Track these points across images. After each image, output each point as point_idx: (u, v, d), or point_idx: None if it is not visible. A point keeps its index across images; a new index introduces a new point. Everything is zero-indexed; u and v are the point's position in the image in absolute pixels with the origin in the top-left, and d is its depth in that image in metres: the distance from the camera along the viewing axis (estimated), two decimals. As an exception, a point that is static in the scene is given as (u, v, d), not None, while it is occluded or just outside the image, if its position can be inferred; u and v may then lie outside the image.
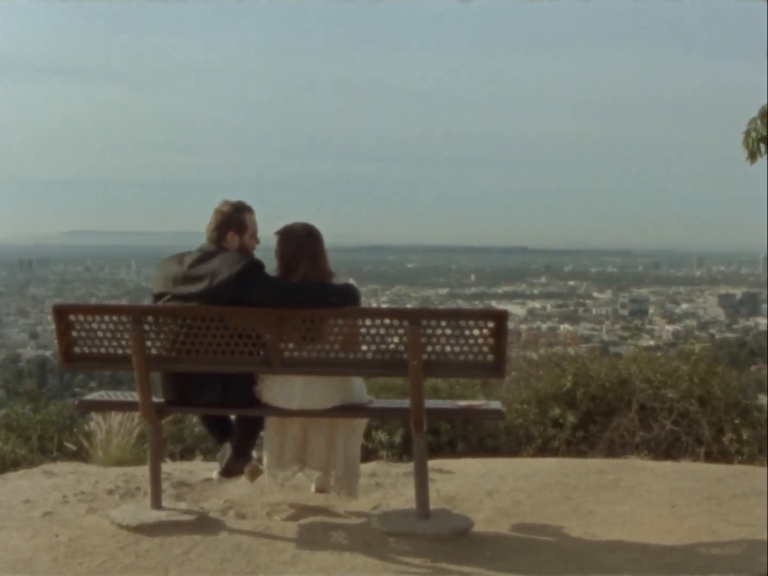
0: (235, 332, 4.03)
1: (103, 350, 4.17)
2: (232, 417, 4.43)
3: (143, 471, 4.77)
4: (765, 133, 5.06)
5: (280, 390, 4.13)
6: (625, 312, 63.76)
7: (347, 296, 4.08)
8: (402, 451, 6.55)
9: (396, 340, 4.01)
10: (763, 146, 5.07)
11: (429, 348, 3.97)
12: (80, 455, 6.48)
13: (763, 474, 5.10)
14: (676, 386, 6.84)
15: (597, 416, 6.88)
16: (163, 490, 4.39)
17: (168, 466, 5.27)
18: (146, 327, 4.07)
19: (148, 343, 4.08)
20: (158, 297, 4.20)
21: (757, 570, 3.58)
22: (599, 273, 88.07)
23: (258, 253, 4.31)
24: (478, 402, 4.67)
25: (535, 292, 74.50)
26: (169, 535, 3.98)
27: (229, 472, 4.39)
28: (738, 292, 66.42)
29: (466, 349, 3.98)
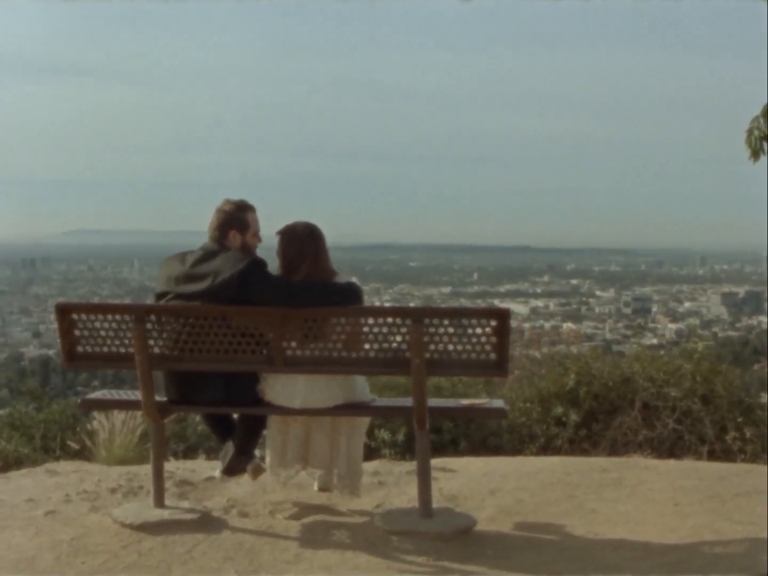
0: (237, 331, 4.03)
1: (105, 349, 4.18)
2: (235, 416, 4.43)
3: (146, 470, 4.77)
4: (767, 131, 5.04)
5: (283, 389, 4.13)
6: (628, 310, 63.67)
7: (350, 295, 4.09)
8: (405, 450, 6.55)
9: (399, 338, 4.01)
10: (765, 144, 5.06)
11: (432, 346, 3.97)
12: (83, 454, 6.48)
13: (766, 472, 5.10)
14: (679, 385, 6.84)
15: (600, 415, 6.87)
16: (166, 489, 4.40)
17: (171, 465, 5.27)
18: (149, 326, 4.08)
19: (151, 342, 4.08)
20: (161, 296, 4.20)
21: (759, 568, 3.58)
22: (602, 271, 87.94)
23: (260, 252, 4.31)
24: (481, 400, 4.66)
25: (538, 290, 74.40)
26: (172, 533, 3.98)
27: (232, 470, 4.39)
28: (741, 290, 66.28)
29: (468, 347, 3.98)
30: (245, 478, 4.45)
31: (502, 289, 73.91)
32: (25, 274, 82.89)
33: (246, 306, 4.02)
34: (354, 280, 4.20)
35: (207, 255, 4.15)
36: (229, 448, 4.37)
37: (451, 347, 4.00)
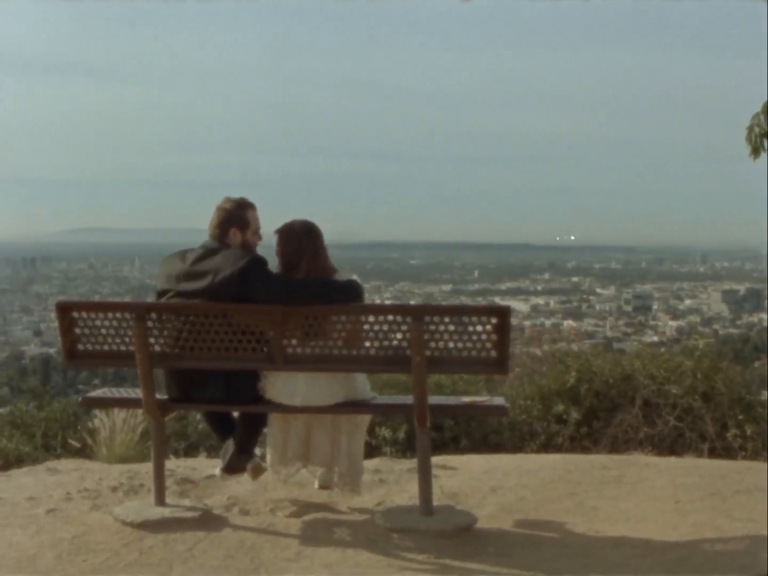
0: (238, 329, 4.03)
1: (106, 347, 4.18)
2: (235, 414, 4.43)
3: (147, 468, 4.77)
4: (767, 129, 5.04)
5: (284, 387, 4.13)
6: (628, 308, 63.63)
7: (350, 292, 4.08)
8: (405, 448, 6.55)
9: (399, 336, 4.01)
10: (766, 142, 5.06)
11: (432, 344, 3.96)
12: (84, 452, 6.48)
13: (766, 470, 5.10)
14: (680, 382, 6.84)
15: (600, 412, 6.87)
16: (167, 487, 4.40)
17: (171, 463, 5.27)
18: (149, 324, 4.08)
19: (152, 340, 4.08)
20: (161, 294, 4.20)
21: (760, 566, 3.58)
22: (603, 269, 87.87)
23: (260, 251, 4.31)
24: (482, 398, 4.66)
25: (539, 288, 74.35)
26: (173, 531, 3.98)
27: (232, 469, 4.39)
28: (741, 288, 66.23)
29: (469, 345, 3.98)
30: (245, 476, 4.45)
31: (503, 286, 73.89)
32: (25, 273, 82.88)
33: (246, 304, 4.02)
34: (355, 277, 4.20)
35: (207, 253, 4.15)
36: (230, 446, 4.37)
37: (451, 345, 3.99)
